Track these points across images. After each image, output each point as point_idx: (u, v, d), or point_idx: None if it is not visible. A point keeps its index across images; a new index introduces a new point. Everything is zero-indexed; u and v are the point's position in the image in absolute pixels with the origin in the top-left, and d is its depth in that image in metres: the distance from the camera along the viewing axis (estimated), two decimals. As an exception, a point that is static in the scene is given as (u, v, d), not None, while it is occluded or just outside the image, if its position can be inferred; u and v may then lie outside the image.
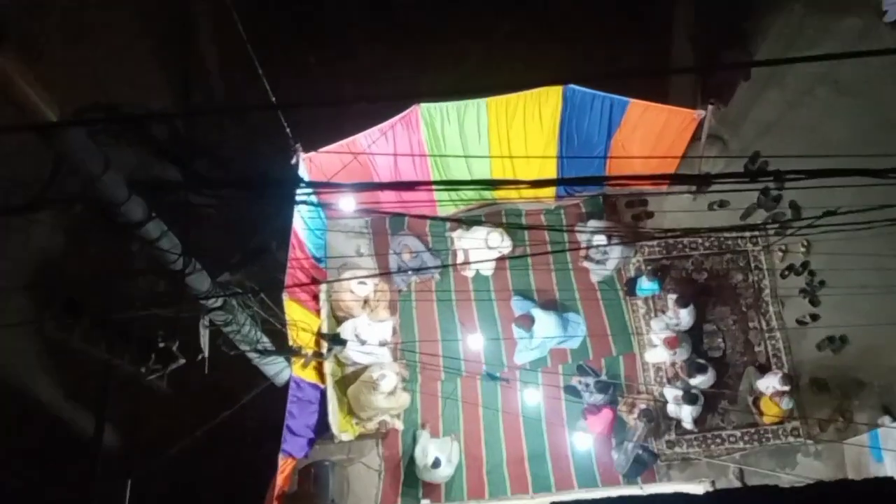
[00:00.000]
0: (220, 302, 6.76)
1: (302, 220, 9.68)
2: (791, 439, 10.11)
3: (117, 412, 8.24)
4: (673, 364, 10.30)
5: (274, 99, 7.30)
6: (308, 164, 9.50)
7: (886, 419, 9.78)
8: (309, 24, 12.37)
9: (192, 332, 6.79)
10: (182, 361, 6.20)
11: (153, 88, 10.50)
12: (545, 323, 10.21)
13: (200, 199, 5.00)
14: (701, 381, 9.88)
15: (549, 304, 10.76)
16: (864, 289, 10.13)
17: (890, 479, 2.77)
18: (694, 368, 9.91)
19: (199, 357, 6.82)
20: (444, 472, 9.56)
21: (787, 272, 10.91)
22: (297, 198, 5.12)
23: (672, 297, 10.34)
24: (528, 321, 10.23)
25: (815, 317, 10.67)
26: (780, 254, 10.99)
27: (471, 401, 10.32)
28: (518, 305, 10.73)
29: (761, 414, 9.97)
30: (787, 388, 9.66)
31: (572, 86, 9.16)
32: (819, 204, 6.76)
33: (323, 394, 9.52)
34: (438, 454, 9.53)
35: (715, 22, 11.79)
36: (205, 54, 11.74)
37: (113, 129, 4.46)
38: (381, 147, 9.52)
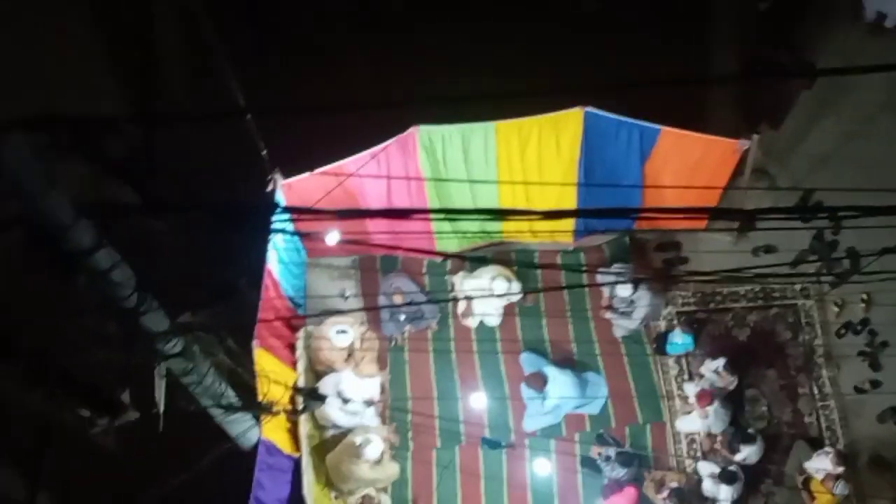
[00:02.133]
0: (179, 347, 6.75)
1: (277, 256, 9.71)
2: (848, 529, 10.02)
3: (54, 474, 8.17)
4: (709, 434, 10.23)
5: (247, 112, 7.35)
6: (286, 192, 9.56)
7: (957, 505, 9.70)
8: (290, 35, 12.53)
9: (145, 383, 6.79)
10: (134, 415, 6.20)
11: (108, 96, 10.56)
12: (560, 383, 10.17)
13: (159, 226, 5.03)
14: (747, 453, 9.81)
15: (564, 362, 10.74)
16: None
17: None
18: (739, 439, 9.84)
19: (153, 411, 6.81)
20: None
21: (843, 330, 10.89)
22: (273, 227, 5.14)
23: (716, 362, 10.29)
24: (540, 381, 10.20)
25: (875, 383, 10.62)
26: (836, 309, 10.97)
27: (471, 472, 10.24)
28: (529, 362, 10.72)
29: (813, 499, 9.85)
30: (840, 469, 9.56)
31: (594, 110, 9.20)
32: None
33: (297, 463, 9.46)
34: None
35: (762, 36, 11.91)
36: (169, 62, 11.87)
37: (60, 143, 4.50)
38: (371, 173, 9.57)
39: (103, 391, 6.04)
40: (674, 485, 9.83)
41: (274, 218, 5.43)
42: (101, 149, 4.45)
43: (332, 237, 9.14)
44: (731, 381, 10.19)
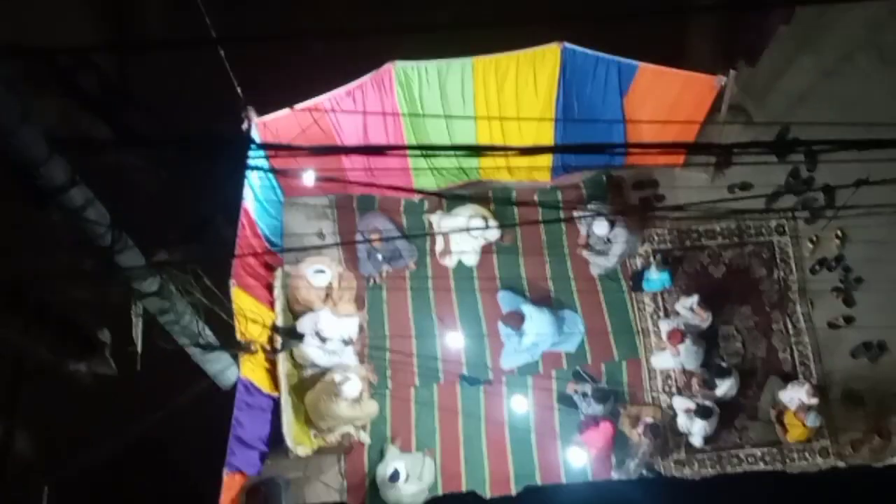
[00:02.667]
0: (155, 286, 6.75)
1: (253, 194, 9.68)
2: (819, 460, 10.26)
3: (31, 409, 8.19)
4: (684, 371, 10.39)
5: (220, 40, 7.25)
6: (261, 131, 9.50)
7: (929, 438, 9.87)
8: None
9: (123, 322, 6.79)
10: (107, 353, 6.21)
11: (80, 28, 10.38)
12: (537, 321, 10.26)
13: (134, 162, 5.00)
14: (725, 388, 10.00)
15: (541, 300, 10.84)
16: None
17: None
18: (715, 373, 10.01)
19: (131, 350, 6.82)
20: (407, 489, 9.55)
21: (818, 267, 11.02)
22: (248, 163, 5.13)
23: (686, 300, 10.41)
24: (517, 319, 10.29)
25: (849, 319, 10.79)
26: (811, 245, 11.08)
27: (449, 409, 10.39)
28: (506, 301, 10.80)
29: (785, 431, 10.07)
30: (814, 401, 9.74)
31: (571, 46, 9.18)
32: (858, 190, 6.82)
33: (276, 402, 9.54)
34: (400, 466, 9.55)
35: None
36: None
37: (31, 75, 4.45)
38: (347, 109, 9.52)
39: (80, 329, 6.02)
40: (649, 420, 9.96)
41: (249, 154, 5.41)
42: (74, 82, 4.39)
43: (309, 177, 9.09)
44: (705, 319, 10.30)
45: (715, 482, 2.97)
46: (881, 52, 11.84)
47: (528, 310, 10.33)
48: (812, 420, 9.72)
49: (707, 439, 10.03)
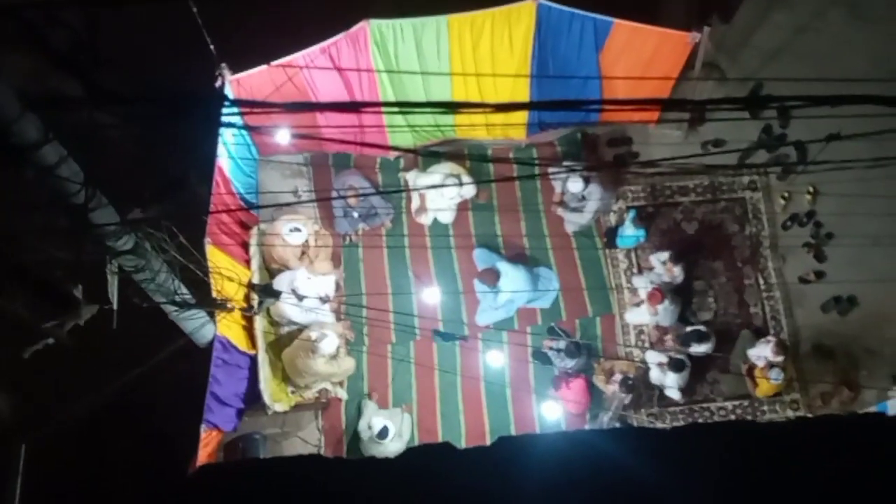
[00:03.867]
0: (130, 244, 6.75)
1: (227, 152, 9.64)
2: (790, 413, 10.40)
3: (7, 367, 8.20)
4: (657, 326, 10.51)
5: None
6: (235, 88, 9.44)
7: (897, 390, 10.02)
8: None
9: (99, 279, 6.79)
10: (90, 311, 6.20)
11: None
12: (512, 278, 10.34)
13: (106, 119, 4.97)
14: (703, 349, 10.12)
15: (517, 257, 10.92)
16: (876, 242, 10.38)
17: (878, 413, 2.95)
18: (692, 338, 10.10)
19: (107, 308, 6.83)
20: (394, 446, 9.70)
21: (789, 223, 11.10)
22: (223, 119, 5.12)
23: (660, 255, 10.50)
24: (492, 276, 10.37)
25: (820, 274, 10.87)
26: (783, 202, 11.14)
27: (425, 365, 10.49)
28: (481, 258, 10.87)
29: (756, 385, 10.23)
30: (780, 358, 9.85)
31: (547, 3, 9.15)
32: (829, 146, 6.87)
33: (253, 360, 9.58)
34: (388, 423, 9.66)
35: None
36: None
37: (1, 33, 4.42)
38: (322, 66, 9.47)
39: (56, 287, 6.02)
40: (622, 374, 10.09)
41: (223, 111, 5.39)
42: (44, 39, 4.36)
43: (283, 135, 9.08)
44: (675, 275, 10.40)
45: (685, 431, 3.04)
46: (853, 7, 11.86)
47: (503, 267, 10.40)
48: (775, 376, 9.84)
49: (681, 392, 10.16)
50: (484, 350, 10.44)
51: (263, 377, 9.50)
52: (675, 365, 9.87)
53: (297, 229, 10.30)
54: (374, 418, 9.85)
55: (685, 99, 9.81)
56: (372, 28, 9.22)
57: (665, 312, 10.26)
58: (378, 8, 9.16)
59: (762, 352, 10.01)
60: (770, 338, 10.25)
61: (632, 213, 10.70)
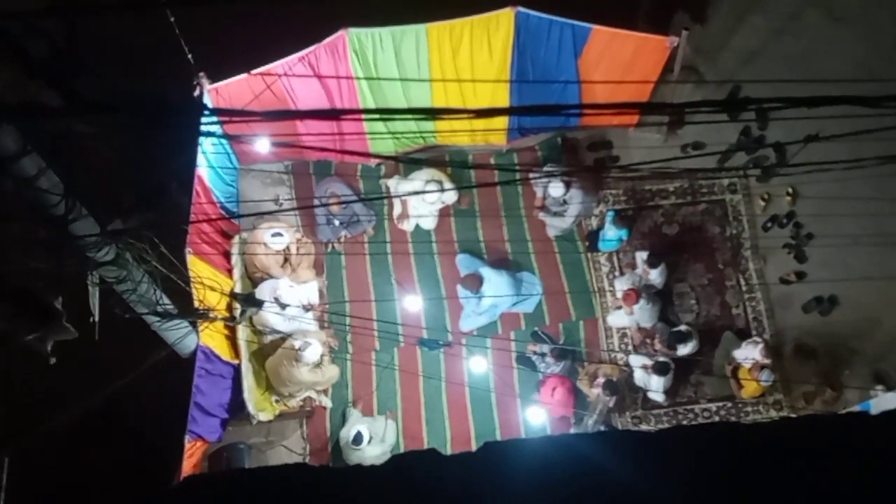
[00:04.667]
0: (111, 255, 6.71)
1: (207, 161, 9.62)
2: (773, 413, 10.43)
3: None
4: (640, 328, 10.53)
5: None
6: (213, 97, 9.42)
7: (879, 389, 9.98)
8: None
9: (80, 291, 6.75)
10: (68, 333, 6.16)
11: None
12: (495, 283, 10.34)
13: (85, 129, 4.94)
14: (686, 350, 10.13)
15: (499, 262, 10.92)
16: (856, 242, 10.44)
17: (861, 412, 2.96)
18: (676, 339, 10.11)
19: (89, 320, 6.79)
20: (371, 451, 9.63)
21: (769, 224, 11.15)
22: (202, 129, 5.08)
23: (641, 254, 10.52)
24: (475, 281, 10.35)
25: (801, 275, 10.92)
26: (763, 203, 11.19)
27: (410, 371, 10.46)
28: (464, 263, 10.87)
29: (740, 387, 10.24)
30: (768, 360, 9.90)
31: (525, 10, 9.17)
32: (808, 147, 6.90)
33: (236, 369, 9.55)
34: (363, 429, 9.63)
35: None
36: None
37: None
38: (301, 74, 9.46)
39: (36, 299, 5.98)
40: (606, 378, 10.07)
41: (202, 121, 5.36)
42: (20, 48, 4.32)
43: (263, 144, 9.04)
44: (653, 278, 10.41)
45: (670, 433, 3.04)
46: (830, 9, 11.94)
47: (486, 272, 10.40)
48: (765, 377, 9.86)
49: (665, 394, 10.18)
50: (468, 356, 10.43)
51: (247, 386, 9.48)
52: (659, 368, 9.88)
53: (279, 234, 10.29)
54: (356, 426, 9.82)
55: (664, 102, 9.87)
56: (350, 37, 9.21)
57: (642, 312, 10.24)
58: (356, 16, 9.14)
59: (750, 353, 10.03)
60: (757, 339, 10.28)
61: (610, 214, 10.69)
